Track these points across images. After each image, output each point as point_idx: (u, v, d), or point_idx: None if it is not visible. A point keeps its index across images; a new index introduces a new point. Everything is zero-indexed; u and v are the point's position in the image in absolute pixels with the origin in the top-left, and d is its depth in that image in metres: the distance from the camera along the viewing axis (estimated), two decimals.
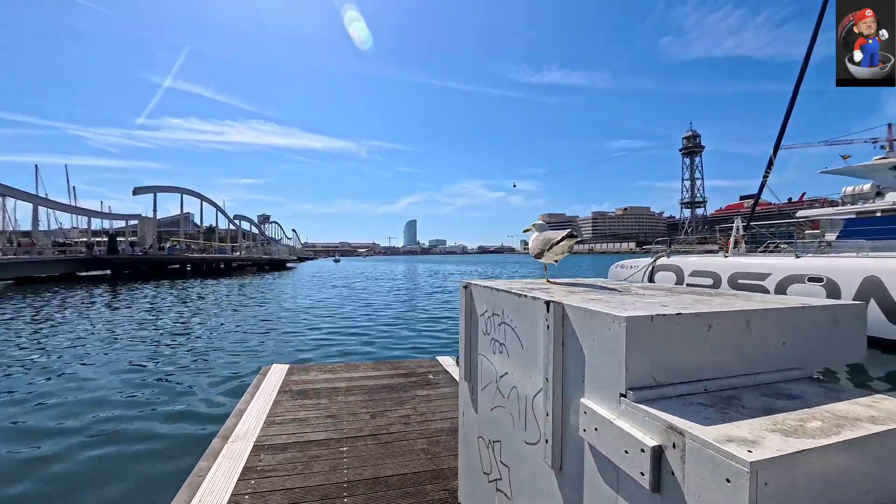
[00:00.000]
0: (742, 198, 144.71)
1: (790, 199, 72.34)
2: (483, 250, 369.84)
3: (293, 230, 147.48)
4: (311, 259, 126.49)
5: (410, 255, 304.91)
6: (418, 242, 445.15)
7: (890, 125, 18.82)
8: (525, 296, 1.32)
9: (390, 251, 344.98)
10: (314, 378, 4.46)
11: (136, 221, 43.71)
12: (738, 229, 12.64)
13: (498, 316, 1.53)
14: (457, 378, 4.35)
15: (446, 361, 5.18)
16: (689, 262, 11.89)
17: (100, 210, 41.95)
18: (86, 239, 37.94)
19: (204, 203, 48.66)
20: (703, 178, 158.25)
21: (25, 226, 34.44)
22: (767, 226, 13.15)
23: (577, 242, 1.73)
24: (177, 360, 7.56)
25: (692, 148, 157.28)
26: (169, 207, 57.32)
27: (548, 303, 1.16)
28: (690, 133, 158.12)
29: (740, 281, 9.93)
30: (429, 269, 50.30)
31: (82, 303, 16.47)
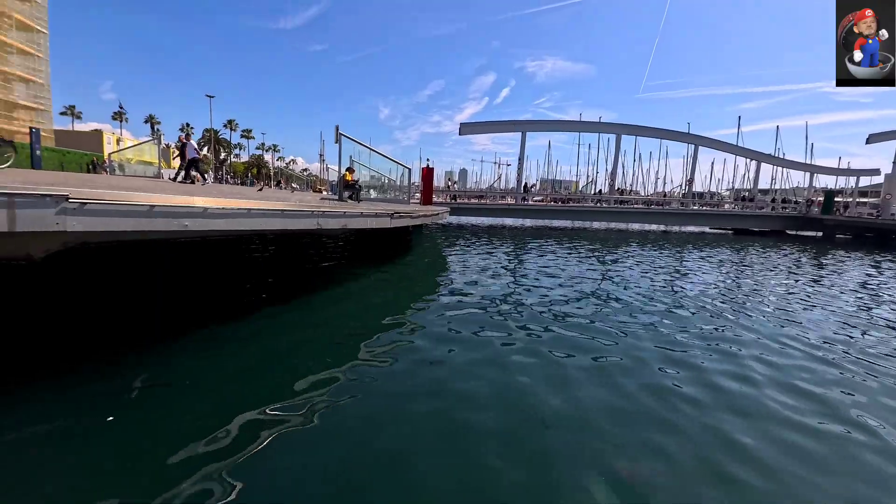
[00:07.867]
0: None
1: None
2: None
3: None
4: None
5: None
6: None
7: None
8: None
9: None
10: None
11: (880, 179, 34.56)
12: None
13: None
14: None
15: None
16: None
17: (825, 165, 35.78)
18: (806, 197, 34.41)
19: None
20: None
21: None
22: None
23: None
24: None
25: None
26: None
27: None
28: None
29: None
30: None
31: (773, 258, 14.73)
